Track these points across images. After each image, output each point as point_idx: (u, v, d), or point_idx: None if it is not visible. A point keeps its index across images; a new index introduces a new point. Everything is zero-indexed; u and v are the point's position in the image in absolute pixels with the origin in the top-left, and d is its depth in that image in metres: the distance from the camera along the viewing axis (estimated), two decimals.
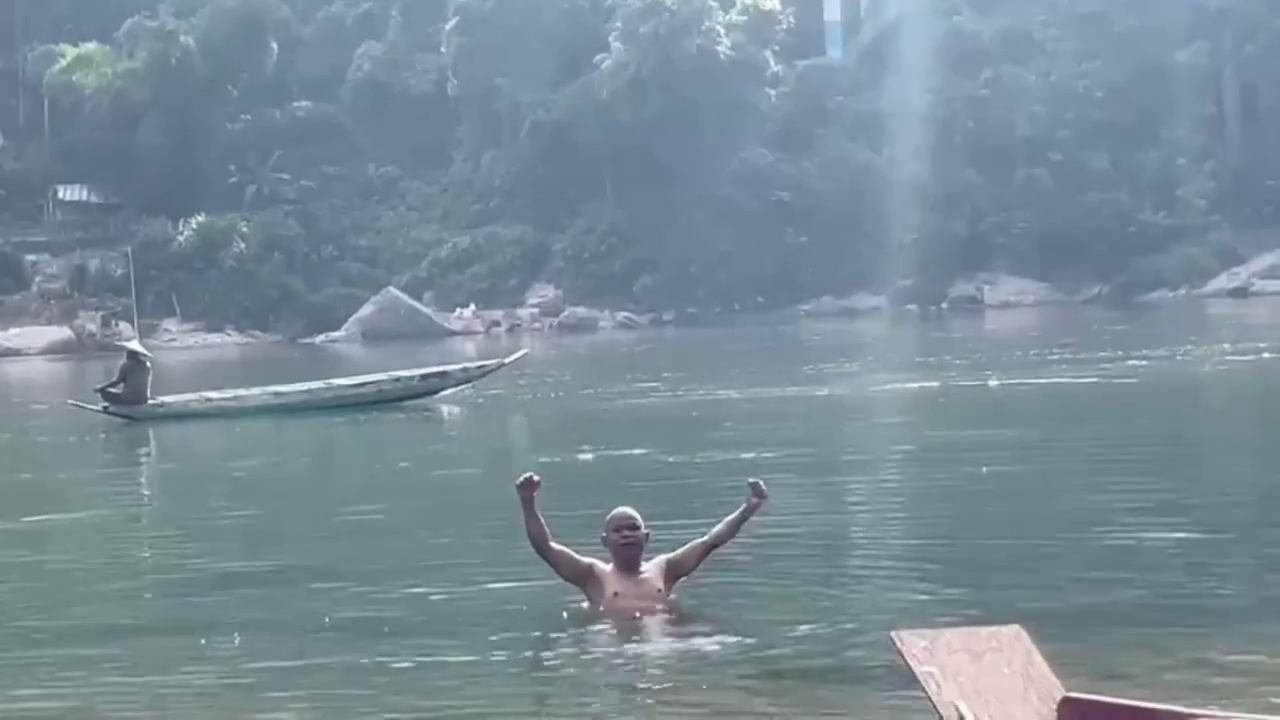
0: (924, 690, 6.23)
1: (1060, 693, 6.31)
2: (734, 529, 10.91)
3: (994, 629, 6.55)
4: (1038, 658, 6.44)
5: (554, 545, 10.85)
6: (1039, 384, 30.93)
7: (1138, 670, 8.85)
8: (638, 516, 10.85)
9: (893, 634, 6.45)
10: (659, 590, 10.85)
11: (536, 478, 10.68)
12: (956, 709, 6.05)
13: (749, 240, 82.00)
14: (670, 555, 10.95)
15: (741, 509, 10.86)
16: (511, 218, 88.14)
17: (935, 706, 6.16)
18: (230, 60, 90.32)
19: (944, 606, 10.71)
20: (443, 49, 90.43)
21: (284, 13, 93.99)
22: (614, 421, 27.66)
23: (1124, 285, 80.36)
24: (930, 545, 13.55)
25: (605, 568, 10.87)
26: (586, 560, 10.91)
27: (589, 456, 20.90)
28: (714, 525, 10.99)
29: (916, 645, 6.35)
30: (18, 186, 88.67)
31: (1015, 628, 6.56)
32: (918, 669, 6.27)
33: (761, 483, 10.85)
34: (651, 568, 10.89)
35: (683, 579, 11.02)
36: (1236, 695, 7.98)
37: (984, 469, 17.99)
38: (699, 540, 10.96)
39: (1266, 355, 35.71)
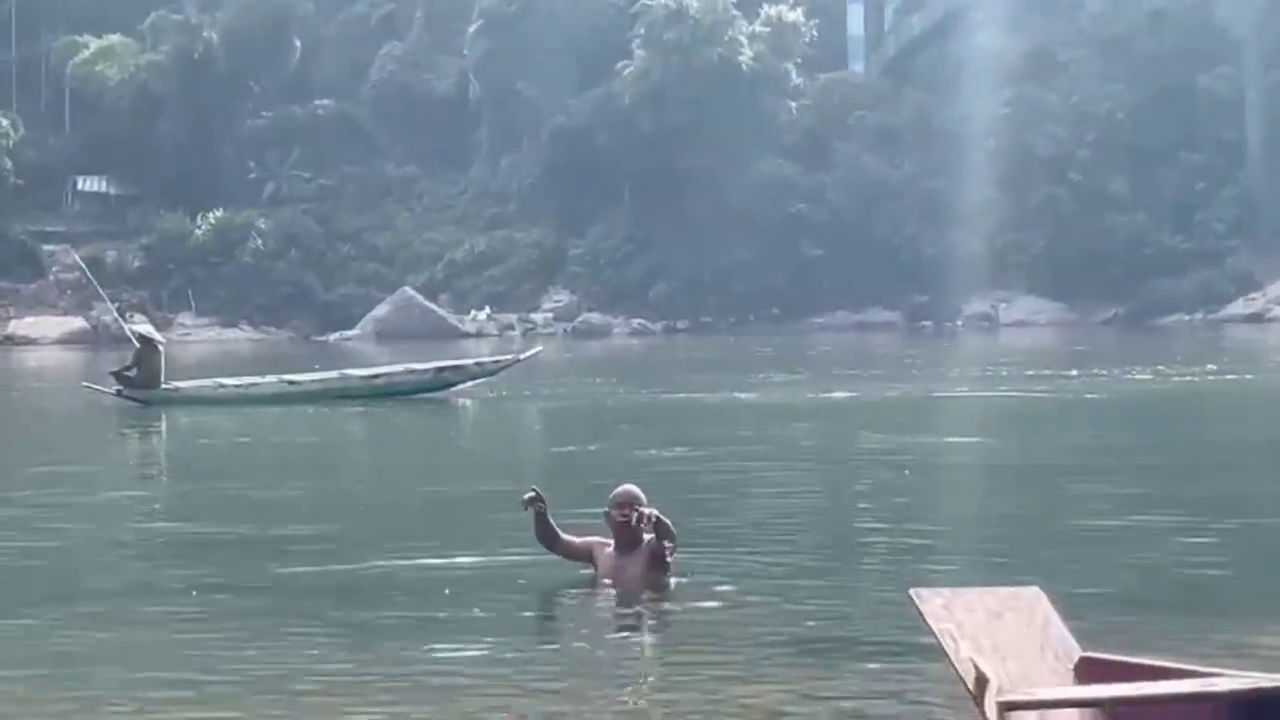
0: (941, 647, 6.16)
1: (1078, 652, 6.26)
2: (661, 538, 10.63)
3: (1013, 589, 6.50)
4: (1056, 618, 6.38)
5: (561, 538, 10.86)
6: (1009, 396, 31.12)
7: (1152, 637, 8.83)
8: (639, 495, 10.70)
9: (910, 591, 6.38)
10: (645, 573, 10.69)
11: (535, 497, 10.69)
12: (974, 665, 5.97)
13: (765, 251, 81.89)
14: (653, 543, 10.69)
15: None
16: (528, 222, 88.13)
17: (952, 663, 6.09)
18: (253, 56, 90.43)
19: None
20: (465, 52, 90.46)
21: (307, 10, 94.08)
22: (622, 418, 27.70)
23: (1140, 308, 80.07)
24: (933, 526, 13.55)
25: (604, 548, 10.81)
26: (584, 544, 10.94)
27: (593, 447, 20.95)
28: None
29: (934, 602, 6.28)
30: (37, 176, 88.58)
31: (1034, 589, 6.51)
32: (935, 626, 6.19)
33: (653, 518, 10.55)
34: (643, 548, 10.72)
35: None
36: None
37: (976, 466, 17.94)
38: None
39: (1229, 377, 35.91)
